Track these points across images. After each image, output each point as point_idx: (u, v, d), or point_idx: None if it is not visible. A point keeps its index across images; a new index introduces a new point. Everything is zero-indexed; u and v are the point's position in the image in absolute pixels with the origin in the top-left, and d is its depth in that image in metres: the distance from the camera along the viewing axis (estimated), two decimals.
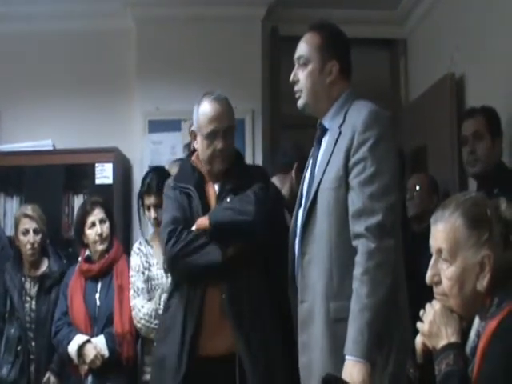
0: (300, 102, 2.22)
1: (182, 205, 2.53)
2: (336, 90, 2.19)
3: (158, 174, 3.12)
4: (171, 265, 2.51)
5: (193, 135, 2.61)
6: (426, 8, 4.38)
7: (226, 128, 2.52)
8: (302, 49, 2.22)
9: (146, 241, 3.17)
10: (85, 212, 3.29)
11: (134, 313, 3.00)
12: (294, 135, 4.81)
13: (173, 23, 4.40)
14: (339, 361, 1.95)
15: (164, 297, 2.86)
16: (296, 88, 2.23)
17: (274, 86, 4.66)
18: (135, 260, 3.09)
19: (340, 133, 2.10)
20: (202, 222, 2.46)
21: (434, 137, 3.94)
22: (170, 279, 2.75)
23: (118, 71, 4.55)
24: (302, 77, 2.20)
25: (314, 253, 2.08)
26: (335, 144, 2.10)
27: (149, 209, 3.08)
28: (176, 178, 2.65)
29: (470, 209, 1.60)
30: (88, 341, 3.11)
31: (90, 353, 3.08)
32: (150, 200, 3.04)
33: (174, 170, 3.60)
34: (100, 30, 4.51)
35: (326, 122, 2.20)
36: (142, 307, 2.96)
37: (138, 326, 2.98)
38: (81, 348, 3.09)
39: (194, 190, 2.53)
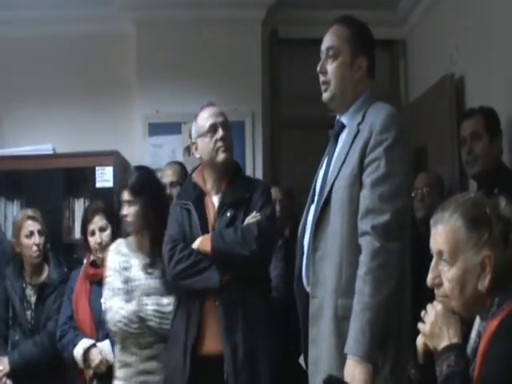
0: (326, 95, 2.20)
1: (180, 222, 2.68)
2: (361, 87, 2.20)
3: (138, 170, 3.07)
4: (172, 284, 2.66)
5: (194, 146, 2.77)
6: (425, 8, 4.38)
7: (222, 121, 2.71)
8: (332, 40, 2.20)
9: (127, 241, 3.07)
10: (86, 220, 3.29)
11: (109, 315, 2.85)
12: (293, 137, 4.82)
13: (172, 26, 4.40)
14: (345, 358, 1.95)
15: (144, 299, 2.82)
16: (323, 79, 2.20)
17: (274, 88, 4.67)
18: (113, 259, 2.97)
19: (358, 131, 2.11)
20: (205, 244, 2.57)
21: (434, 137, 3.94)
22: (149, 281, 2.86)
23: (118, 74, 4.55)
24: (330, 68, 2.18)
25: (326, 249, 2.08)
26: (352, 142, 2.11)
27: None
28: (178, 196, 2.83)
29: (469, 210, 1.60)
30: (93, 345, 3.09)
31: (95, 357, 3.07)
32: (124, 196, 2.95)
33: (168, 172, 3.61)
34: (100, 34, 4.52)
35: (344, 119, 2.21)
36: (120, 309, 2.83)
37: (114, 329, 2.84)
38: (86, 352, 3.07)
39: (192, 206, 2.67)
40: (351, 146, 2.11)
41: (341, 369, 1.95)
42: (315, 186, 2.26)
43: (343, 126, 2.21)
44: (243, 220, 2.61)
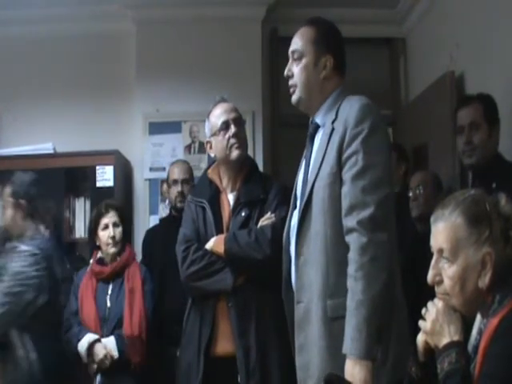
0: (294, 97, 2.21)
1: (194, 220, 2.67)
2: (329, 86, 2.18)
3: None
4: (185, 285, 2.65)
5: (208, 145, 2.75)
6: (424, 6, 4.38)
7: (234, 117, 2.68)
8: (297, 42, 2.21)
9: None
10: (99, 213, 3.31)
11: None
12: (293, 135, 4.80)
13: (173, 25, 4.40)
14: (337, 359, 1.95)
15: None
16: (290, 82, 2.21)
17: (274, 86, 4.66)
18: None
19: (333, 129, 2.09)
20: (218, 246, 2.56)
21: (434, 135, 3.94)
22: None
23: (118, 73, 4.55)
24: (296, 71, 2.19)
25: (309, 253, 2.07)
26: (328, 141, 2.09)
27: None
28: (192, 192, 2.82)
29: (469, 207, 1.60)
30: (98, 340, 3.11)
31: (99, 352, 3.08)
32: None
33: (175, 170, 3.61)
34: (100, 32, 4.52)
35: (318, 119, 2.20)
36: None
37: None
38: (90, 347, 3.08)
39: (207, 203, 2.65)
40: (328, 144, 2.09)
41: (333, 371, 1.93)
42: (296, 191, 2.24)
43: (318, 127, 2.20)
44: (258, 220, 2.60)
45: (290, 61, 2.22)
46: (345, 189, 2.01)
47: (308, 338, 2.06)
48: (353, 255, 1.95)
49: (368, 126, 2.02)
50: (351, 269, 1.94)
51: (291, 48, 2.22)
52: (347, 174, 2.01)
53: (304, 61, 2.18)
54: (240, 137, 2.67)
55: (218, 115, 2.69)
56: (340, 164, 2.03)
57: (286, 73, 2.23)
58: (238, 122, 2.70)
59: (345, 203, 2.00)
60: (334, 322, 1.99)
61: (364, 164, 1.99)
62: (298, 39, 2.22)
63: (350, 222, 1.97)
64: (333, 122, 2.10)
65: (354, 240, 1.96)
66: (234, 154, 2.65)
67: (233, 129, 2.65)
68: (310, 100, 2.19)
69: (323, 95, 2.18)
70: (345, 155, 2.03)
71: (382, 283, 1.92)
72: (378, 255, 1.93)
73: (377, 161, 2.01)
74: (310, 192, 2.08)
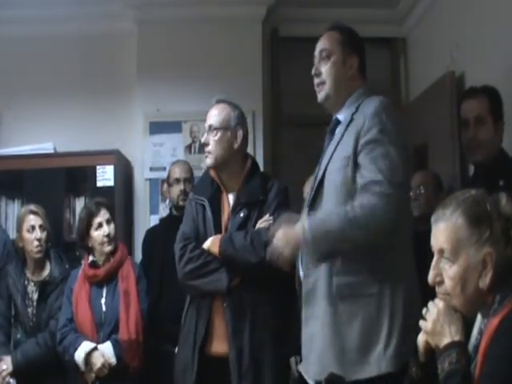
0: (321, 94, 2.28)
1: (194, 218, 2.67)
2: (354, 86, 2.26)
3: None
4: (182, 283, 2.66)
5: None
6: (425, 6, 4.38)
7: (209, 124, 2.66)
8: (325, 43, 2.30)
9: None
10: (90, 213, 3.24)
11: None
12: (294, 135, 4.81)
13: (174, 25, 4.40)
14: (339, 338, 2.02)
15: None
16: (317, 80, 2.28)
17: (275, 86, 4.67)
18: None
19: (352, 120, 2.16)
20: (214, 246, 2.57)
21: (434, 135, 3.94)
22: None
23: (119, 73, 4.55)
24: (324, 69, 2.27)
25: None
26: (346, 129, 2.16)
27: None
28: (194, 190, 2.82)
29: (470, 207, 1.61)
30: (95, 348, 3.06)
31: (97, 361, 3.03)
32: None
33: (176, 170, 3.62)
34: (101, 32, 4.52)
35: (339, 115, 2.26)
36: None
37: None
38: (88, 356, 3.04)
39: (207, 202, 2.66)
40: (344, 132, 2.16)
41: (334, 347, 2.02)
42: (313, 186, 2.27)
43: (338, 122, 2.26)
44: (256, 221, 2.59)
45: (317, 60, 2.29)
46: (361, 171, 2.06)
47: (314, 312, 2.11)
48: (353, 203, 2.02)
49: (386, 117, 2.09)
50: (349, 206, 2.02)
51: (319, 48, 2.30)
52: (365, 158, 2.06)
53: (333, 59, 2.26)
54: (208, 145, 2.64)
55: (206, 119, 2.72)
56: (355, 150, 2.09)
57: (313, 72, 2.30)
58: (213, 128, 2.65)
59: (360, 182, 2.05)
60: (339, 301, 2.05)
61: (383, 151, 2.05)
62: (325, 40, 2.30)
63: (359, 195, 2.03)
64: (353, 114, 2.17)
65: (360, 195, 2.02)
66: (206, 163, 2.69)
67: (203, 136, 2.67)
68: (337, 97, 2.26)
69: (347, 94, 2.26)
70: (362, 141, 2.08)
71: (369, 229, 1.99)
72: (369, 218, 1.99)
73: (394, 150, 2.06)
74: (323, 175, 2.15)
